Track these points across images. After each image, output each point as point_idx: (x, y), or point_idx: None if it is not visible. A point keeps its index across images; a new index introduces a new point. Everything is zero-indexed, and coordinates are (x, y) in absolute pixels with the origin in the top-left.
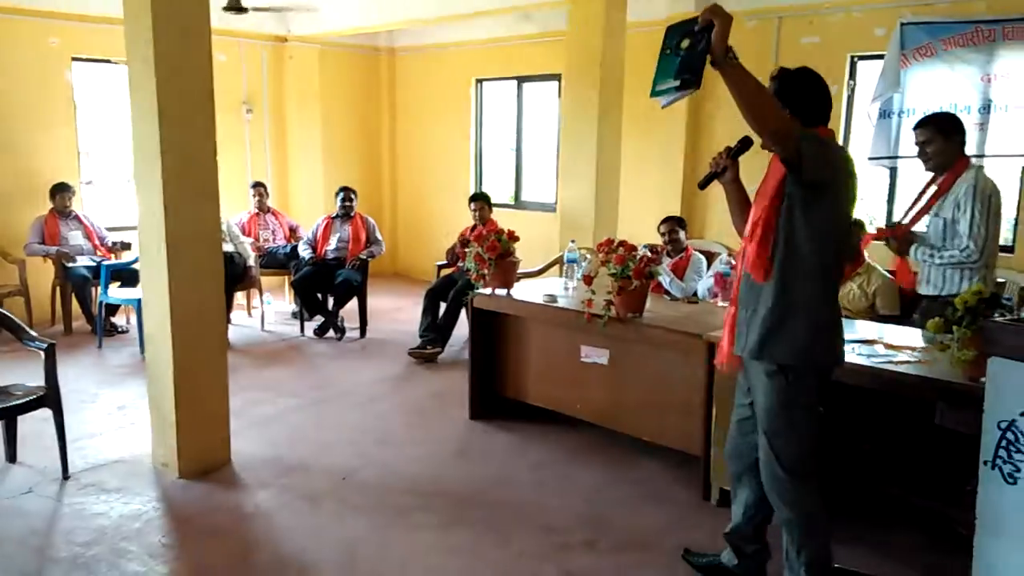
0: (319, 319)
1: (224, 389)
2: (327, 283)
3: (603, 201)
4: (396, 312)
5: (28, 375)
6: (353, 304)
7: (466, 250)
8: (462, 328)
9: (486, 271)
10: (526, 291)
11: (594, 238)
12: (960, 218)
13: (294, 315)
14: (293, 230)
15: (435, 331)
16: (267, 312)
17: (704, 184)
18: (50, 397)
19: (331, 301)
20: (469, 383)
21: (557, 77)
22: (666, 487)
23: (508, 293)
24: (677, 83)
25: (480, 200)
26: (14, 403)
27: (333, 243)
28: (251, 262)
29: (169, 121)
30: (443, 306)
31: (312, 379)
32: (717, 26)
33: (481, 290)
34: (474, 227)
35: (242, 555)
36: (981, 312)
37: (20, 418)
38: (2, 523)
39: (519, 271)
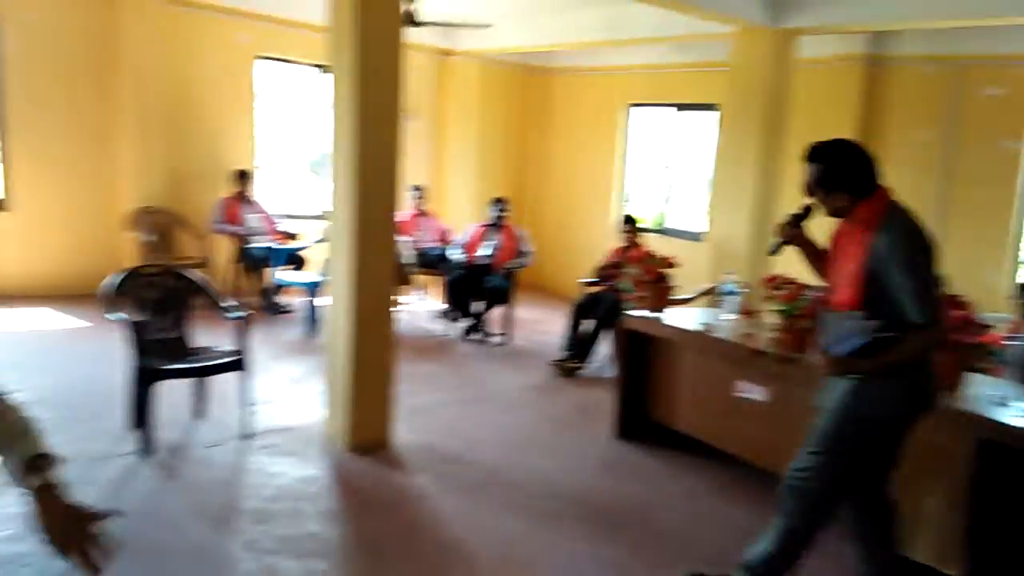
0: (467, 321)
1: (391, 375)
2: (476, 287)
3: (757, 235)
4: (537, 323)
5: (213, 340)
6: (498, 310)
7: (623, 270)
8: (603, 346)
9: (643, 293)
10: (678, 317)
11: (747, 271)
12: None
13: (442, 314)
14: (444, 233)
15: (578, 346)
16: (419, 308)
17: (774, 251)
18: (239, 362)
19: (478, 305)
20: (615, 402)
21: (711, 107)
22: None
23: (661, 317)
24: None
25: (632, 223)
26: (213, 363)
27: (484, 250)
28: (406, 260)
29: (365, 123)
30: (587, 323)
31: (460, 377)
32: None
33: (634, 311)
34: (625, 248)
35: (407, 532)
36: None
37: (215, 378)
38: (196, 471)
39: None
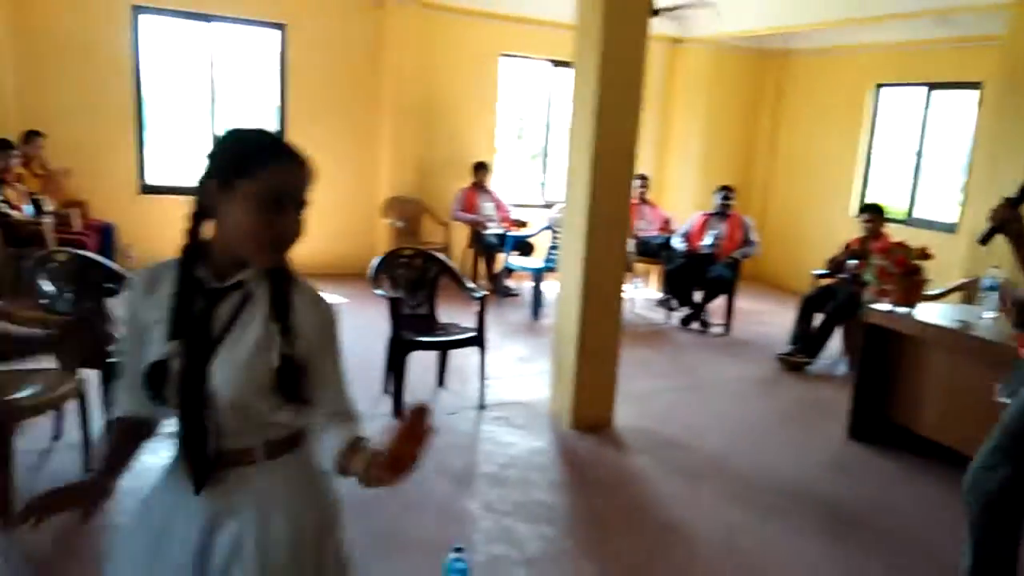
0: (685, 310)
1: (616, 358)
2: (698, 277)
3: None
4: (761, 315)
5: (452, 318)
6: (719, 300)
7: (867, 261)
8: (834, 341)
9: (889, 286)
10: (930, 313)
11: (1011, 266)
12: None
13: (660, 303)
14: (667, 222)
15: (807, 340)
16: (637, 297)
17: (985, 239)
18: (479, 338)
19: (699, 294)
20: (851, 400)
21: (971, 85)
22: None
23: (910, 312)
24: None
25: (874, 212)
26: (454, 338)
27: (708, 239)
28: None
29: (605, 116)
30: (818, 316)
31: (679, 365)
32: None
33: (878, 305)
34: (865, 239)
35: (628, 509)
36: None
37: (452, 351)
38: (438, 436)
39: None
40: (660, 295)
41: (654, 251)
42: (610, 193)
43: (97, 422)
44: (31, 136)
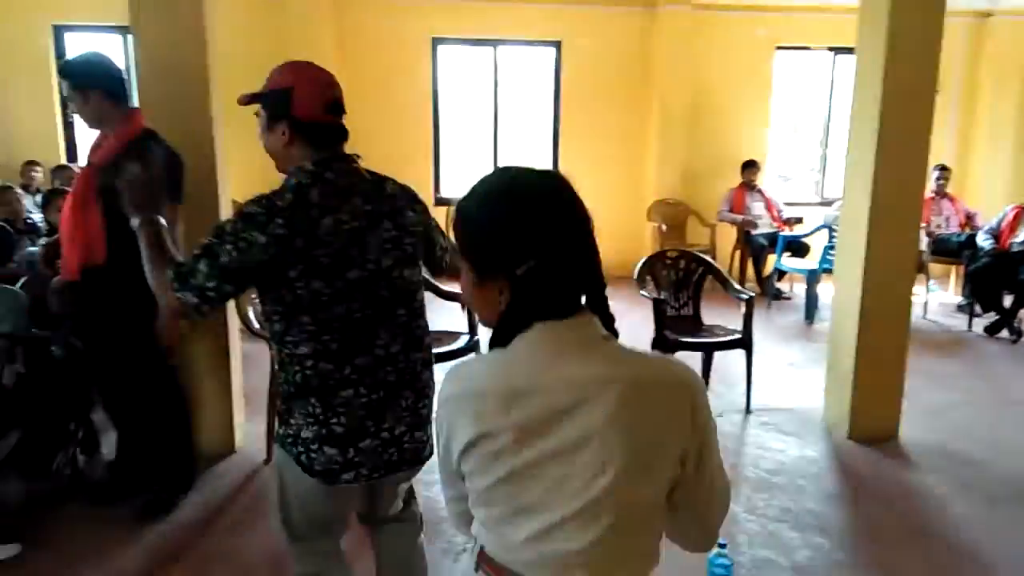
0: (991, 316)
1: (902, 366)
2: (1007, 278)
3: None
4: None
5: (718, 320)
6: None
7: None
8: None
9: None
10: None
11: None
12: None
13: (960, 308)
14: (969, 217)
15: None
16: (931, 301)
17: None
18: (745, 340)
19: (1009, 299)
20: None
21: None
22: None
23: None
24: None
25: None
26: (719, 339)
27: (1021, 235)
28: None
29: (890, 103)
30: None
31: (982, 378)
32: None
33: None
34: None
35: (911, 527)
36: None
37: (716, 354)
38: None
39: None
40: (960, 299)
41: (954, 250)
42: (897, 186)
43: None
44: None
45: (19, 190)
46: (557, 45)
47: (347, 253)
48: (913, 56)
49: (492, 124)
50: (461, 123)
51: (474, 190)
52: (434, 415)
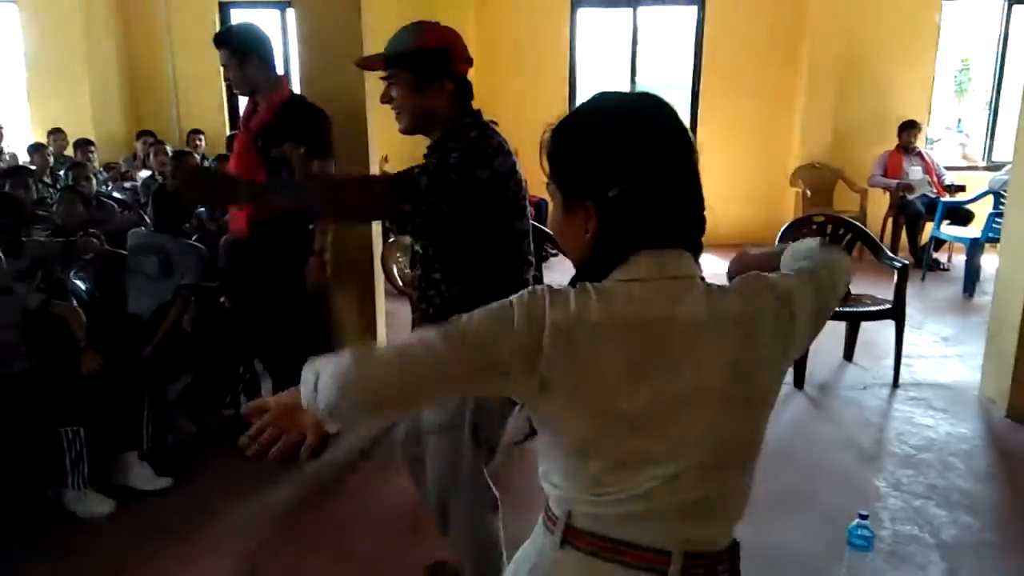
0: None
1: None
2: None
3: None
4: None
5: (868, 289)
6: None
7: None
8: None
9: None
10: None
11: None
12: None
13: None
14: None
15: None
16: None
17: None
18: (896, 311)
19: None
20: None
21: None
22: None
23: None
24: None
25: None
26: (864, 309)
27: None
28: None
29: None
30: None
31: None
32: None
33: None
34: None
35: None
36: None
37: (863, 325)
38: (843, 408)
39: None
40: None
41: None
42: None
43: None
44: None
45: (197, 155)
46: (700, 2)
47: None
48: None
49: (629, 82)
50: (598, 88)
51: (570, 114)
52: (516, 318)
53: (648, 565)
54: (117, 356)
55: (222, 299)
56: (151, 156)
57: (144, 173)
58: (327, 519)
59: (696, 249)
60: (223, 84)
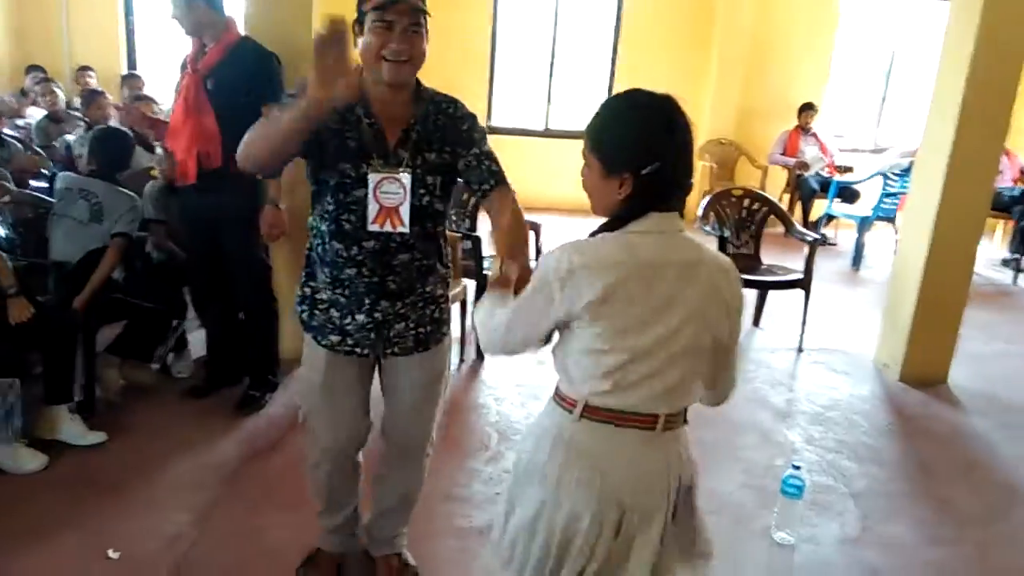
0: None
1: (959, 315)
2: None
3: None
4: None
5: (774, 260)
6: None
7: None
8: None
9: None
10: None
11: None
12: None
13: (1005, 263)
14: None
15: None
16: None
17: None
18: (805, 282)
19: None
20: None
21: None
22: None
23: None
24: None
25: None
26: (780, 278)
27: None
28: None
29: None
30: None
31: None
32: None
33: None
34: None
35: (964, 465)
36: None
37: (771, 293)
38: (756, 371)
39: None
40: (1007, 254)
41: (1005, 204)
42: (980, 134)
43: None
44: None
45: (109, 96)
46: None
47: None
48: (1011, 3)
49: (549, 58)
50: (518, 56)
51: (609, 103)
52: (553, 275)
53: (645, 426)
54: (45, 304)
55: (148, 251)
56: (40, 95)
57: (35, 111)
58: (271, 472)
59: (682, 210)
60: (123, 18)
